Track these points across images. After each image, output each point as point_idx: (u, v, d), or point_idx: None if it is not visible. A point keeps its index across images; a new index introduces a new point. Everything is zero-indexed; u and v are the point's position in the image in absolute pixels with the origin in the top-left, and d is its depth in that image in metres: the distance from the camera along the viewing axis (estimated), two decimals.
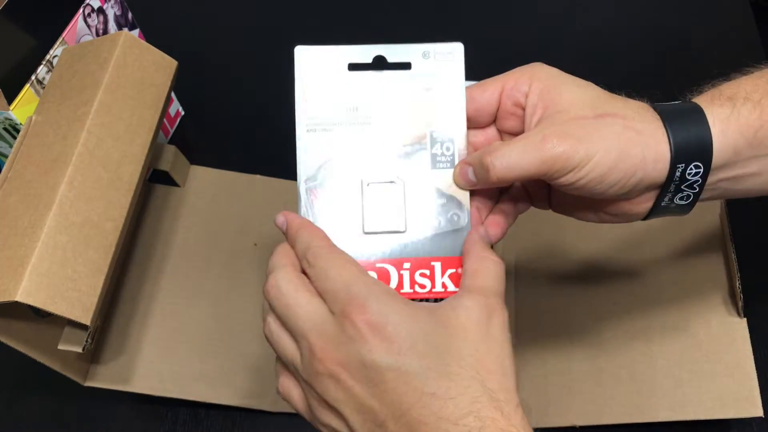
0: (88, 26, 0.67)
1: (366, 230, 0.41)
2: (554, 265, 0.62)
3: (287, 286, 0.37)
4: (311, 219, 0.41)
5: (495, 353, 0.36)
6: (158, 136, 0.60)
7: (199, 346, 0.62)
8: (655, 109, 0.40)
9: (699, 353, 0.52)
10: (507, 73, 0.43)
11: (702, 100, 0.40)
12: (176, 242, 0.67)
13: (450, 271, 0.41)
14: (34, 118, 0.56)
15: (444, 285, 0.41)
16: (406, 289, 0.41)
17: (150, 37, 0.71)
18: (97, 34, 0.68)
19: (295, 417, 0.60)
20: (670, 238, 0.58)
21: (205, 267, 0.66)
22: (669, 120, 0.39)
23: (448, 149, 0.42)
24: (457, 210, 0.42)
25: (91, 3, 0.67)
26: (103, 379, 0.60)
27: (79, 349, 0.52)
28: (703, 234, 0.57)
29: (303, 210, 0.41)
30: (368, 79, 0.42)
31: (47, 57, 0.62)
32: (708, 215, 0.57)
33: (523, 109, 0.42)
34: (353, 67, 0.42)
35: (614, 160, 0.37)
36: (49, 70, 0.62)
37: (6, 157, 0.66)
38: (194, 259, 0.66)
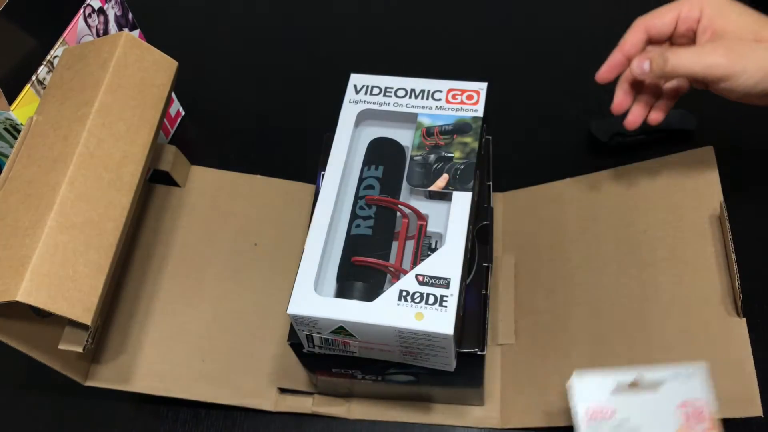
0: (89, 26, 0.67)
1: None
2: (554, 265, 0.62)
3: None
4: None
5: None
6: (158, 137, 0.60)
7: (199, 346, 0.62)
8: None
9: (699, 353, 0.52)
10: (681, 1, 0.53)
11: None
12: (176, 242, 0.67)
13: None
14: (34, 118, 0.56)
15: None
16: None
17: (150, 37, 0.71)
18: (98, 35, 0.68)
19: (295, 417, 0.61)
20: (670, 238, 0.58)
21: (205, 267, 0.66)
22: None
23: None
24: None
25: (91, 3, 0.67)
26: (104, 378, 0.60)
27: (80, 349, 0.52)
28: (703, 234, 0.57)
29: None
30: (639, 399, 0.50)
31: (48, 57, 0.62)
32: (708, 216, 0.57)
33: (695, 32, 0.53)
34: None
35: (763, 76, 0.48)
36: (49, 71, 0.62)
37: (7, 157, 0.66)
38: (194, 259, 0.66)
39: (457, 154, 0.54)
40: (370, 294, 0.49)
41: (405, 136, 0.57)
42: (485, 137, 0.63)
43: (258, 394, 0.60)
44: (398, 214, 0.54)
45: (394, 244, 0.53)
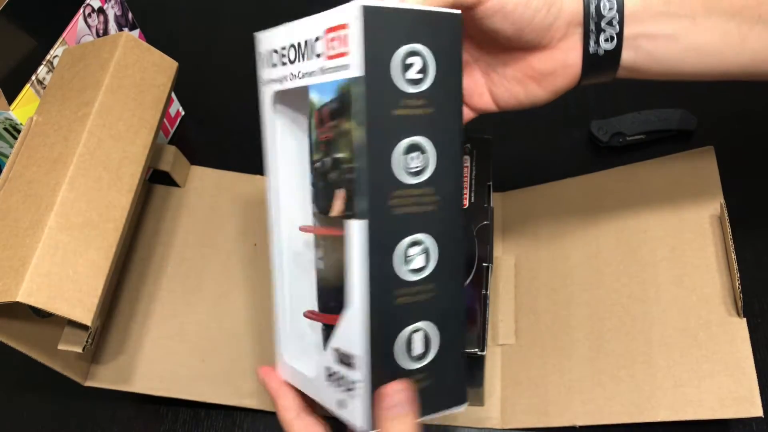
0: (89, 26, 0.67)
1: None
2: (554, 265, 0.62)
3: None
4: None
5: None
6: (158, 137, 0.60)
7: (199, 346, 0.62)
8: None
9: (699, 353, 0.52)
10: None
11: None
12: (176, 242, 0.67)
13: None
14: (35, 118, 0.56)
15: None
16: None
17: (150, 37, 0.71)
18: (98, 35, 0.68)
19: None
20: (670, 238, 0.58)
21: (205, 267, 0.66)
22: None
23: None
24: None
25: (91, 3, 0.67)
26: (104, 379, 0.60)
27: (80, 350, 0.52)
28: (703, 234, 0.57)
29: None
30: None
31: (48, 57, 0.62)
32: (708, 216, 0.57)
33: None
34: None
35: None
36: (49, 71, 0.62)
37: (7, 157, 0.66)
38: (194, 259, 0.66)
39: (345, 154, 0.37)
40: None
41: None
42: (485, 137, 0.63)
43: (258, 394, 0.60)
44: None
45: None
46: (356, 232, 0.35)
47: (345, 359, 0.37)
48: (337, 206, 0.37)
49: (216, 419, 0.61)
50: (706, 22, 0.42)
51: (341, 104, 0.36)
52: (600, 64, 0.43)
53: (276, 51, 0.40)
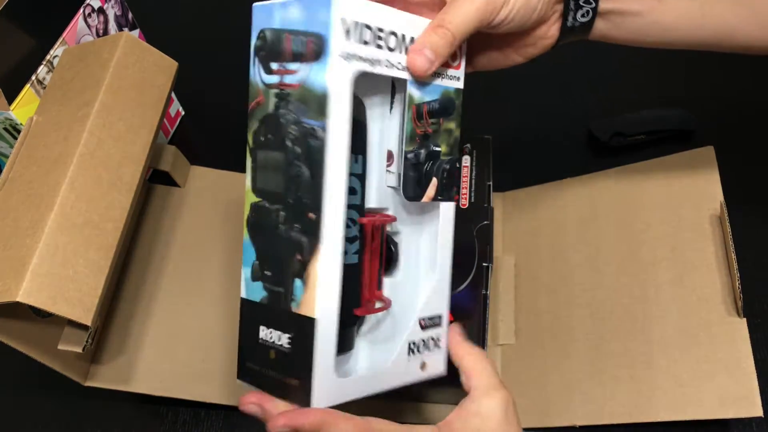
0: (89, 26, 0.67)
1: None
2: (554, 265, 0.62)
3: None
4: None
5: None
6: (158, 137, 0.60)
7: (199, 346, 0.62)
8: None
9: (699, 353, 0.52)
10: None
11: None
12: (176, 242, 0.67)
13: None
14: (35, 118, 0.56)
15: None
16: None
17: (150, 37, 0.71)
18: (98, 35, 0.68)
19: None
20: (670, 238, 0.58)
21: (205, 267, 0.66)
22: None
23: None
24: None
25: (91, 3, 0.67)
26: (104, 379, 0.60)
27: (80, 350, 0.52)
28: (703, 234, 0.57)
29: None
30: None
31: (48, 57, 0.62)
32: (708, 216, 0.57)
33: None
34: None
35: None
36: (49, 71, 0.62)
37: (7, 157, 0.66)
38: (194, 259, 0.66)
39: (443, 148, 0.42)
40: (355, 333, 0.44)
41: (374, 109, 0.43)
42: (485, 137, 0.63)
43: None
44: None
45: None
46: (452, 211, 0.42)
47: (430, 322, 0.42)
48: (431, 192, 0.42)
49: (216, 419, 0.61)
50: (670, 1, 0.46)
51: (443, 106, 0.41)
52: (574, 33, 0.47)
53: (370, 28, 0.36)
